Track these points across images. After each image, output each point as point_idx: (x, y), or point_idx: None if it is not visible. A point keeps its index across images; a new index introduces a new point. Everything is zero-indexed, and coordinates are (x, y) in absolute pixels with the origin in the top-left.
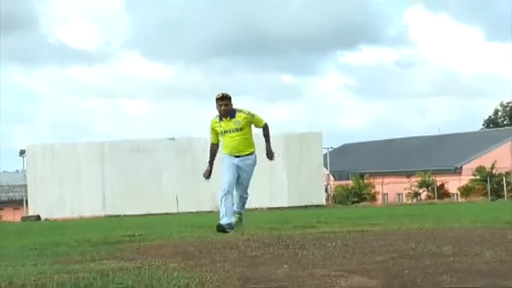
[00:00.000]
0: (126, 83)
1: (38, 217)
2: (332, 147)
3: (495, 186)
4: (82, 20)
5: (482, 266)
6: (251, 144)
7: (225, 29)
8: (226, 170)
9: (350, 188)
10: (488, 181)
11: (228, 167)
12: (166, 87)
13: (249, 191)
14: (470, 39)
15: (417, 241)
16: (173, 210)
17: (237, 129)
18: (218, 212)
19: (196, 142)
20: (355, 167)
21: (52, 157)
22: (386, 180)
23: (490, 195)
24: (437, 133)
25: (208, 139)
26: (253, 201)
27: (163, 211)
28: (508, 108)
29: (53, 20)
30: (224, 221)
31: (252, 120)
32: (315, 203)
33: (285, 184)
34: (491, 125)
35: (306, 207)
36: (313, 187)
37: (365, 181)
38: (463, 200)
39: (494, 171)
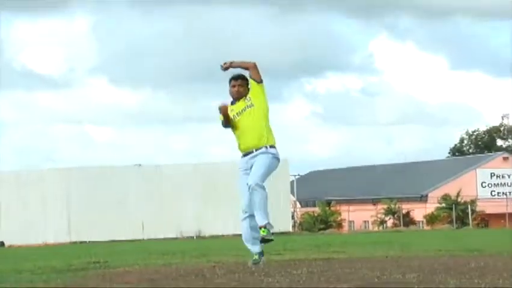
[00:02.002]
0: (92, 109)
1: (1, 243)
2: (298, 175)
3: (460, 214)
4: (47, 46)
5: None
6: (268, 131)
7: (192, 55)
8: (241, 187)
9: (316, 215)
10: (454, 209)
11: (243, 185)
12: (132, 113)
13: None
14: (435, 67)
15: (382, 269)
16: (139, 236)
17: (248, 106)
18: (184, 239)
19: (162, 169)
20: (322, 194)
21: (17, 183)
22: (352, 207)
23: (455, 223)
24: (403, 161)
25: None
26: (218, 228)
27: (129, 238)
28: (473, 137)
29: (18, 45)
30: (253, 249)
31: (252, 82)
32: (282, 230)
33: None
34: (456, 153)
35: (272, 234)
36: (280, 214)
37: (332, 208)
38: (429, 227)
39: (459, 199)
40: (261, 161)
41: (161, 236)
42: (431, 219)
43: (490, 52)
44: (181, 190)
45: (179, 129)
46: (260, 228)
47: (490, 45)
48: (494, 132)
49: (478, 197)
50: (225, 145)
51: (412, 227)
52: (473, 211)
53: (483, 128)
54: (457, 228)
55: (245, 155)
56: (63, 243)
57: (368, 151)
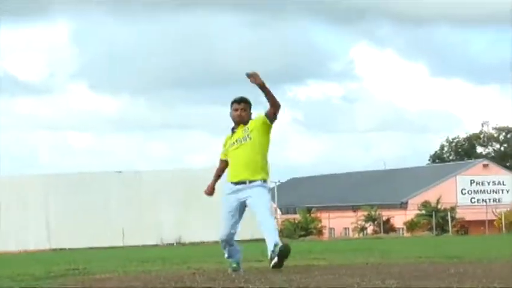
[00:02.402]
0: (73, 115)
1: None
2: (279, 181)
3: (440, 221)
4: (28, 52)
5: None
6: (262, 167)
7: (171, 61)
8: (224, 215)
9: (297, 222)
10: (434, 216)
11: (227, 211)
12: (112, 119)
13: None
14: (415, 74)
15: (362, 276)
16: (119, 243)
17: (246, 138)
18: (164, 246)
19: (142, 175)
20: (302, 201)
21: None
22: (333, 214)
23: (435, 230)
24: (383, 168)
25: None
26: (199, 235)
27: (109, 244)
28: (453, 144)
29: None
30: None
31: (262, 117)
32: (262, 236)
33: None
34: (437, 160)
35: (253, 240)
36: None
37: (312, 215)
38: (409, 234)
39: (439, 206)
40: (263, 197)
41: (142, 243)
42: (411, 226)
43: (470, 59)
44: (161, 196)
45: (159, 135)
46: (276, 245)
47: (469, 53)
48: (474, 140)
49: (458, 204)
50: (204, 151)
51: (392, 234)
52: (453, 218)
53: (463, 135)
54: (436, 235)
55: (235, 183)
56: (43, 250)
57: (349, 158)
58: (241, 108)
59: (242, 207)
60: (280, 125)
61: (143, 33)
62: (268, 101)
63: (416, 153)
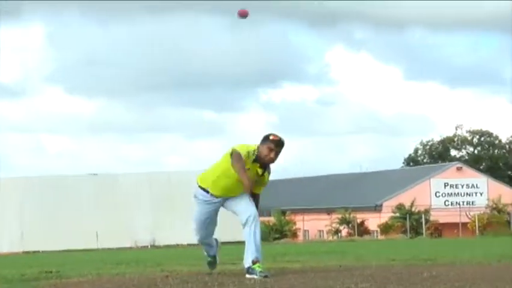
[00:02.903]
0: (47, 117)
1: None
2: None
3: (414, 223)
4: (2, 54)
5: None
6: None
7: (147, 64)
8: (200, 222)
9: (271, 224)
10: (408, 219)
11: (204, 218)
12: (87, 122)
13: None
14: (390, 78)
15: (336, 278)
16: (94, 246)
17: (254, 182)
18: (139, 249)
19: (118, 178)
20: (277, 204)
21: None
22: (307, 217)
23: (409, 232)
24: (358, 171)
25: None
26: (173, 238)
27: (83, 247)
28: (427, 147)
29: None
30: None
31: (261, 182)
32: (237, 239)
33: None
34: (411, 163)
35: (228, 243)
36: (235, 223)
37: (287, 218)
38: (383, 237)
39: (413, 209)
40: (246, 195)
41: (116, 246)
42: (385, 228)
43: (444, 63)
44: (136, 199)
45: (135, 138)
46: (256, 263)
47: (444, 56)
48: (448, 143)
49: (432, 207)
50: (180, 154)
51: (366, 237)
52: (427, 220)
53: (437, 138)
54: (410, 237)
55: (217, 197)
56: (16, 252)
57: (324, 161)
58: (276, 152)
59: (218, 210)
60: (255, 128)
61: (119, 36)
62: None
63: (391, 156)
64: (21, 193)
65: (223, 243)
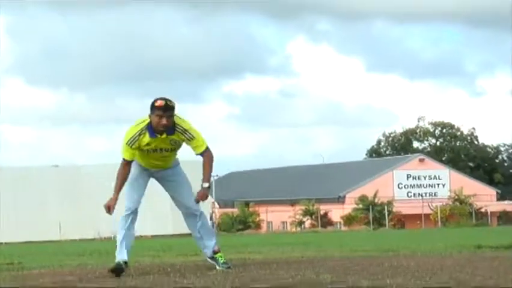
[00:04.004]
0: (8, 109)
1: None
2: (217, 175)
3: (377, 215)
4: None
5: None
6: (176, 157)
7: (109, 56)
8: (134, 185)
9: (235, 215)
10: (371, 210)
11: (136, 182)
12: (50, 114)
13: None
14: (351, 70)
15: (297, 269)
16: (57, 237)
17: (172, 149)
18: (102, 240)
19: (80, 169)
20: (240, 195)
21: None
22: (271, 208)
23: (372, 224)
24: (320, 162)
25: (92, 167)
26: (137, 229)
27: (45, 239)
28: (390, 139)
29: None
30: (120, 256)
31: (187, 143)
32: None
33: (168, 211)
34: (374, 155)
35: (190, 235)
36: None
37: (250, 209)
38: (346, 228)
39: (376, 201)
40: (184, 182)
41: (79, 237)
42: (348, 220)
43: (406, 55)
44: (99, 190)
45: (97, 130)
46: (217, 253)
47: (405, 48)
48: (410, 134)
49: (395, 198)
50: None
51: (330, 228)
52: (389, 212)
53: (399, 130)
54: (374, 229)
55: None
56: None
57: (287, 152)
58: (167, 116)
59: (148, 179)
60: (217, 120)
61: (81, 27)
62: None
63: (353, 147)
64: None
65: (182, 235)
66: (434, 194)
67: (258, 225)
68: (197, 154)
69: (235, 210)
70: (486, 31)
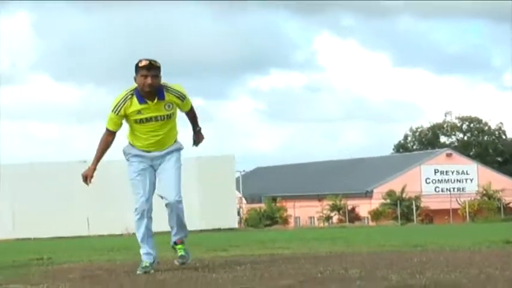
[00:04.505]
0: (35, 105)
1: None
2: (244, 171)
3: (405, 210)
4: None
5: None
6: (175, 129)
7: (134, 51)
8: (137, 181)
9: (262, 211)
10: (398, 205)
11: (139, 176)
12: (76, 109)
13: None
14: (378, 64)
15: (326, 265)
16: (85, 233)
17: (168, 117)
18: (130, 235)
19: (107, 165)
20: (268, 190)
21: None
22: (298, 203)
23: (400, 219)
24: (348, 157)
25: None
26: (164, 224)
27: (73, 234)
28: (417, 133)
29: None
30: (146, 258)
31: (180, 105)
32: (228, 226)
33: (197, 207)
34: (401, 150)
35: (218, 230)
36: (226, 210)
37: (277, 204)
38: (374, 223)
39: (404, 195)
40: (174, 164)
41: (107, 233)
42: (376, 215)
43: (432, 49)
44: (126, 186)
45: (123, 125)
46: (177, 244)
47: (432, 43)
48: (437, 129)
49: (422, 193)
50: None
51: (357, 223)
52: (417, 207)
53: (426, 124)
54: (401, 224)
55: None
56: (7, 240)
57: (313, 147)
58: (153, 76)
59: (153, 174)
60: (244, 115)
61: (106, 23)
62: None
63: (380, 142)
64: (11, 180)
65: (210, 230)
66: (462, 189)
67: (285, 221)
68: (185, 112)
69: (262, 206)
70: None
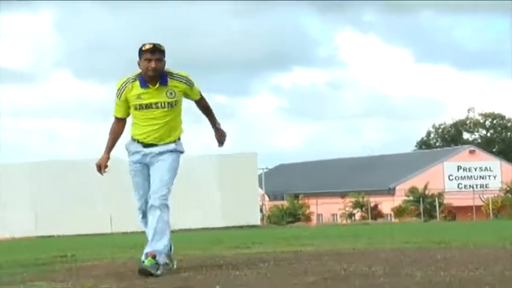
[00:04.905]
0: (58, 102)
1: None
2: (266, 168)
3: (428, 207)
4: (12, 40)
5: (412, 286)
6: (178, 126)
7: None
8: (135, 182)
9: (284, 208)
10: (421, 202)
11: (136, 178)
12: (98, 107)
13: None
14: (400, 61)
15: (349, 261)
16: (108, 230)
17: (170, 105)
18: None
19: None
20: (290, 188)
21: None
22: (321, 200)
23: (423, 216)
24: (370, 154)
25: None
26: (187, 222)
27: (96, 231)
28: (440, 130)
29: None
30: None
31: (188, 91)
32: (250, 223)
33: (219, 204)
34: (423, 147)
35: (240, 227)
36: (248, 207)
37: (300, 201)
38: (396, 220)
39: (426, 192)
40: (166, 164)
41: (130, 230)
42: (398, 212)
43: (455, 45)
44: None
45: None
46: (150, 256)
47: (454, 39)
48: (460, 126)
49: (445, 190)
50: (191, 139)
51: (380, 220)
52: (440, 204)
53: (449, 121)
54: (424, 221)
55: (145, 145)
56: (30, 237)
57: (336, 144)
58: (157, 59)
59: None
60: (266, 112)
61: (128, 21)
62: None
63: (403, 139)
64: (34, 178)
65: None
66: (485, 186)
67: (307, 218)
68: (196, 100)
69: (284, 203)
70: None
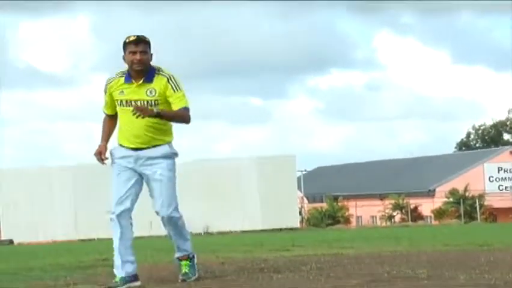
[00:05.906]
0: (95, 106)
1: (11, 241)
2: (305, 170)
3: (468, 208)
4: (50, 44)
5: None
6: (166, 131)
7: (194, 52)
8: (116, 179)
9: (324, 210)
10: (462, 204)
11: (122, 175)
12: None
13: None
14: (437, 62)
15: (392, 264)
16: (147, 233)
17: (149, 104)
18: (192, 236)
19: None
20: (329, 190)
21: (24, 180)
22: (360, 203)
23: (464, 217)
24: (410, 156)
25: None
26: (226, 224)
27: (136, 235)
28: (480, 131)
29: (21, 44)
30: (117, 271)
31: (168, 92)
32: (289, 225)
33: (258, 207)
34: (463, 148)
35: (280, 230)
36: (287, 210)
37: (339, 204)
38: (437, 222)
39: (467, 194)
40: (166, 180)
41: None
42: (439, 214)
43: (492, 46)
44: (188, 187)
45: (184, 126)
46: (182, 260)
47: (491, 39)
48: (500, 127)
49: (486, 192)
50: (228, 142)
51: (420, 222)
52: (481, 205)
53: (489, 122)
54: (465, 222)
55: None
56: (71, 240)
57: (374, 146)
58: (141, 51)
59: (135, 178)
60: (304, 115)
61: (165, 24)
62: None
63: (442, 141)
64: (73, 181)
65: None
66: None
67: (347, 220)
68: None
69: (323, 205)
70: None
